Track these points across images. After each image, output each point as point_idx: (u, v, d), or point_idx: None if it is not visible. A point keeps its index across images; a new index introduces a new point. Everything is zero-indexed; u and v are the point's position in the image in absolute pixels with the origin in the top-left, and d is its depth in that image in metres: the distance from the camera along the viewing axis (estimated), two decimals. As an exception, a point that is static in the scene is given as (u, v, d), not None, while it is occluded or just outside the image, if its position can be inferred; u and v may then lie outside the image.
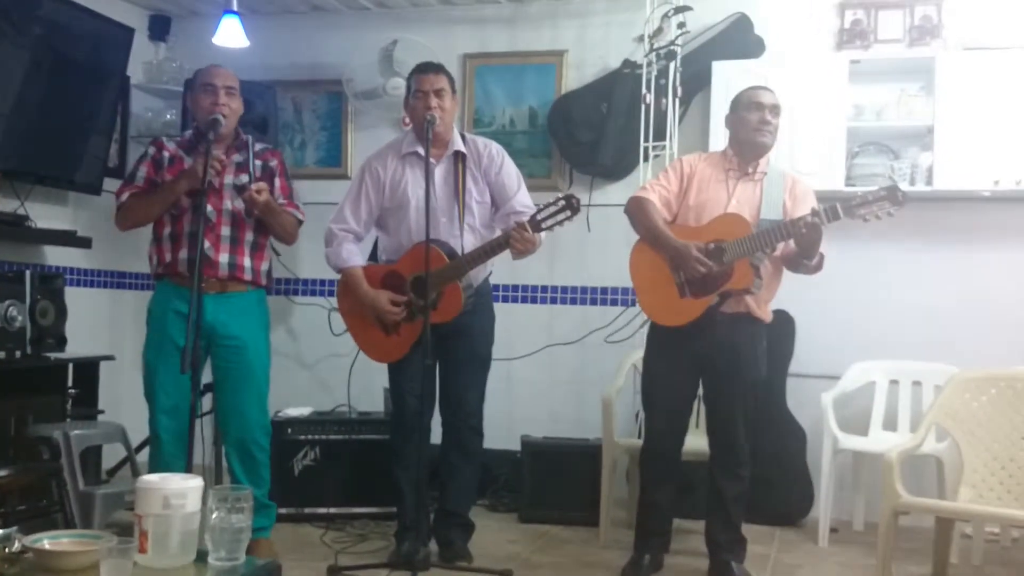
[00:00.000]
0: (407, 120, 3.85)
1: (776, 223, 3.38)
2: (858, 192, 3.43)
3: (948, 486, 3.88)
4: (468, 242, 3.67)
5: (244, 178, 3.65)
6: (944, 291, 4.64)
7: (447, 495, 3.84)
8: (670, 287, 3.49)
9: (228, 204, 3.61)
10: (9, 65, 4.33)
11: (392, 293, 3.67)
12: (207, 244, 3.55)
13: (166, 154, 3.68)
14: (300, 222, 3.77)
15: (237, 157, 3.69)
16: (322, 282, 5.41)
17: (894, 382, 4.48)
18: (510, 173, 3.77)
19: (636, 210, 3.58)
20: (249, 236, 3.66)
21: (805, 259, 3.38)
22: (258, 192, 3.52)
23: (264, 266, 3.73)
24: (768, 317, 3.57)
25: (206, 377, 3.73)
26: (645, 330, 3.83)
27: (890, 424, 4.45)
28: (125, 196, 3.64)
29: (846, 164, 4.57)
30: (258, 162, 3.71)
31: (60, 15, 4.55)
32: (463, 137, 3.79)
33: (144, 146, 5.27)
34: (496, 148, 3.80)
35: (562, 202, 3.44)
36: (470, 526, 3.89)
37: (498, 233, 3.71)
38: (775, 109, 3.52)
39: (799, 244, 3.33)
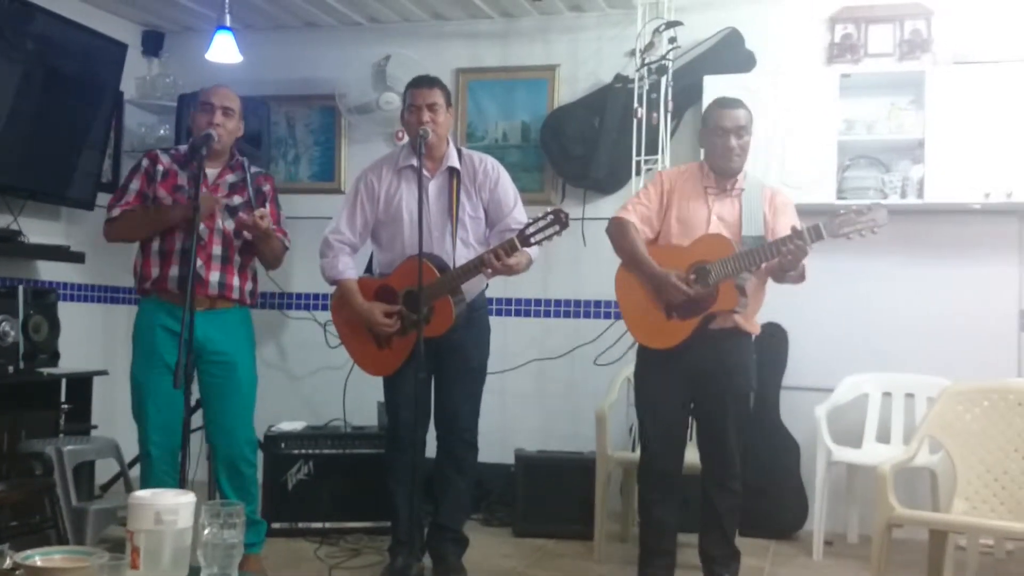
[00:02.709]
0: (400, 134, 3.86)
1: (759, 241, 3.38)
2: (847, 206, 3.42)
3: (942, 498, 3.88)
4: (460, 256, 3.67)
5: (237, 199, 3.65)
6: (936, 303, 4.65)
7: (441, 509, 3.83)
8: (657, 309, 3.48)
9: (220, 224, 3.60)
10: (2, 80, 4.34)
11: (385, 305, 3.68)
12: (199, 263, 3.55)
13: (160, 167, 3.66)
14: (286, 248, 3.78)
15: (231, 177, 3.68)
16: (315, 296, 5.41)
17: (887, 394, 4.49)
18: (507, 189, 3.77)
19: (617, 233, 3.57)
20: (237, 257, 3.66)
21: (788, 272, 3.37)
22: (261, 218, 3.53)
23: (249, 286, 3.73)
24: (756, 330, 3.57)
25: (195, 393, 3.73)
26: (637, 345, 3.82)
27: (883, 436, 4.46)
28: (116, 211, 3.62)
29: (837, 178, 4.59)
30: (252, 186, 3.70)
31: (53, 31, 4.56)
32: (459, 152, 3.80)
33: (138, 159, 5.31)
34: (492, 163, 3.80)
35: (551, 216, 3.46)
36: (464, 541, 3.88)
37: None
38: (741, 130, 3.47)
39: (784, 262, 3.32)
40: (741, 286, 3.39)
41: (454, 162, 3.74)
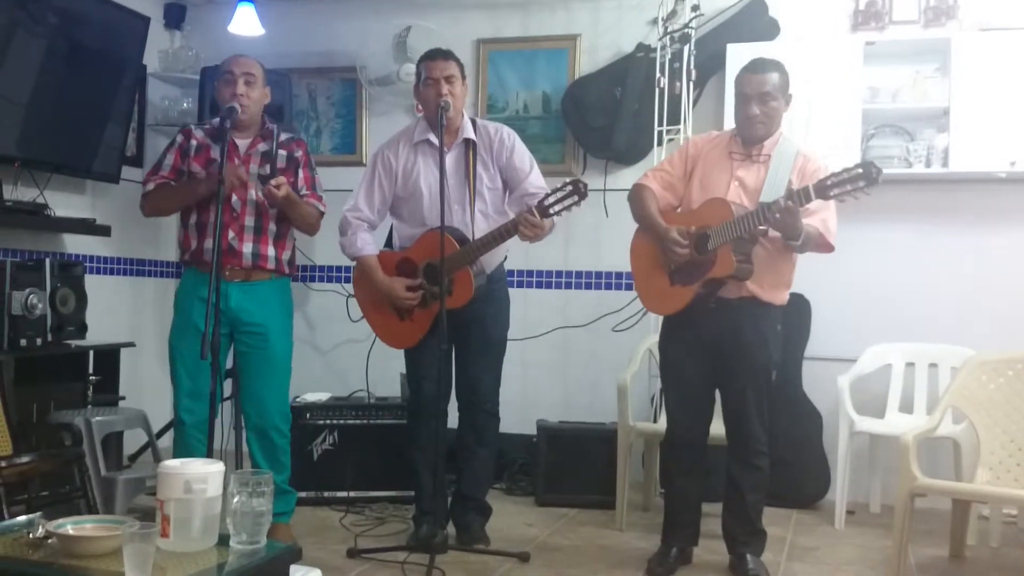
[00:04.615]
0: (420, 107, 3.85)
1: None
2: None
3: (965, 468, 3.88)
4: (480, 228, 3.69)
5: (269, 168, 3.66)
6: (960, 273, 4.63)
7: (464, 479, 3.86)
8: (662, 275, 3.45)
9: (253, 194, 3.61)
10: (26, 55, 4.36)
11: (407, 280, 3.70)
12: (231, 234, 3.58)
13: (193, 142, 3.70)
14: (322, 213, 3.77)
15: (263, 146, 3.69)
16: (339, 268, 5.44)
17: (910, 364, 4.48)
18: (522, 156, 3.78)
19: (634, 198, 3.55)
20: (272, 226, 3.67)
21: (789, 241, 3.24)
22: (277, 187, 3.52)
23: (287, 255, 3.75)
24: (779, 300, 3.46)
25: (229, 362, 3.77)
26: (657, 315, 3.81)
27: (906, 407, 4.45)
28: (151, 186, 3.69)
29: (862, 146, 4.55)
30: (283, 152, 3.70)
31: (76, 4, 4.57)
32: (473, 123, 3.80)
33: (165, 136, 5.36)
34: (507, 132, 3.81)
35: (569, 187, 3.45)
36: (487, 509, 3.92)
37: (511, 217, 3.73)
38: (765, 96, 3.33)
39: (775, 228, 3.20)
40: (744, 252, 3.29)
41: (470, 134, 3.74)
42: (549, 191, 3.52)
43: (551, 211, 3.47)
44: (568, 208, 3.47)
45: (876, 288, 4.71)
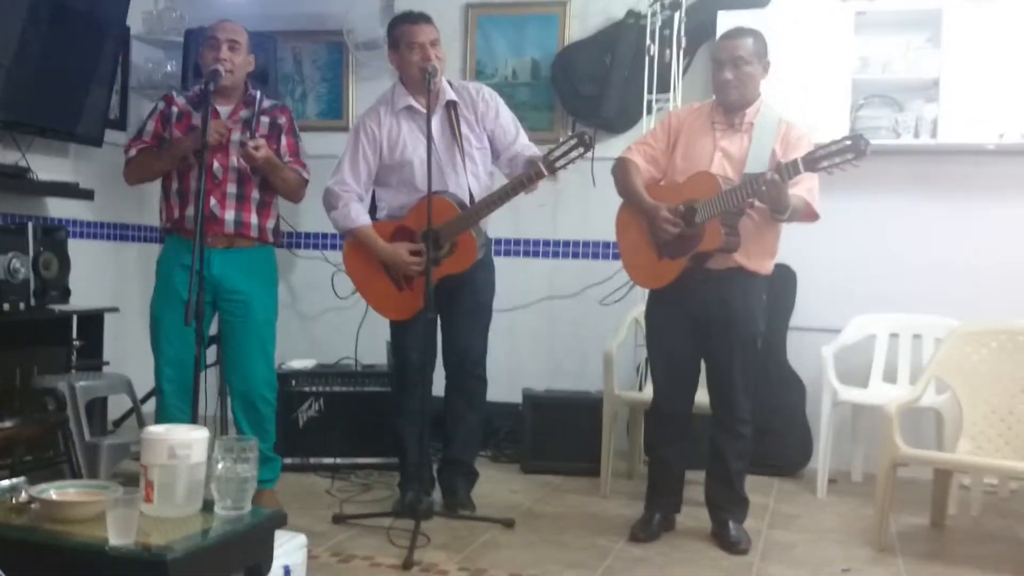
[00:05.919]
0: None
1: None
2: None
3: (947, 438, 3.91)
4: (474, 191, 3.68)
5: (249, 135, 3.62)
6: (946, 244, 4.64)
7: (453, 444, 3.87)
8: (650, 249, 3.46)
9: (235, 161, 3.59)
10: (9, 16, 4.29)
11: (410, 244, 3.67)
12: (213, 201, 3.56)
13: (175, 109, 3.67)
14: (305, 180, 3.75)
15: (245, 113, 3.66)
16: (323, 236, 5.41)
17: (894, 335, 4.49)
18: (507, 117, 3.78)
19: (619, 172, 3.55)
20: (255, 193, 3.65)
21: (775, 214, 3.25)
22: (255, 148, 3.50)
23: (271, 223, 3.73)
24: (765, 270, 3.46)
25: (213, 330, 3.76)
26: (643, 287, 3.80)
27: (890, 377, 4.47)
28: (133, 151, 3.67)
29: (851, 117, 4.54)
30: (266, 119, 3.68)
31: (58, -36, 4.50)
32: (451, 84, 3.77)
33: (149, 99, 5.29)
34: (488, 92, 3.79)
35: (574, 140, 3.44)
36: (474, 474, 3.93)
37: (500, 178, 3.73)
38: (738, 60, 3.34)
39: (763, 201, 3.21)
40: (731, 225, 3.30)
41: (451, 95, 3.71)
42: (554, 145, 3.51)
43: (557, 165, 3.47)
44: (573, 160, 3.47)
45: (861, 259, 4.72)
